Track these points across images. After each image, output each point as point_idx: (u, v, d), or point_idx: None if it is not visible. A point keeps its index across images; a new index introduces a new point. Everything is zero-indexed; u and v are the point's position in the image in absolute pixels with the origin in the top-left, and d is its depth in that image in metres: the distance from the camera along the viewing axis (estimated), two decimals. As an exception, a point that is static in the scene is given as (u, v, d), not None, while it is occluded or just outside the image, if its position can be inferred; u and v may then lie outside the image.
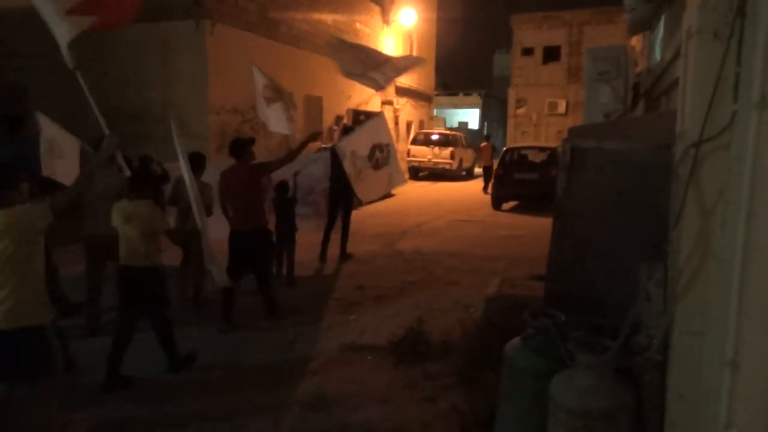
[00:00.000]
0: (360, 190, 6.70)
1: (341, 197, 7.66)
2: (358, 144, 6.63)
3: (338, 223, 7.94)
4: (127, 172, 4.31)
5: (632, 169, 3.07)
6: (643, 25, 8.43)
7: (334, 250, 7.97)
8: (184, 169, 4.32)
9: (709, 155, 2.21)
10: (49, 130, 5.57)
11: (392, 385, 4.20)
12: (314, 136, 6.03)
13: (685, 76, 2.44)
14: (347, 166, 6.45)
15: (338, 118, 10.27)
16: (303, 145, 5.62)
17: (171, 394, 4.03)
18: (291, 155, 5.60)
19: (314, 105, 16.58)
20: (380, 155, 6.70)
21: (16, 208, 2.81)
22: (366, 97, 19.09)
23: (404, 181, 7.40)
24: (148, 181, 4.27)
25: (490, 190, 15.98)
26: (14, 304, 2.78)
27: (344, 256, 8.08)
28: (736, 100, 2.07)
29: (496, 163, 14.94)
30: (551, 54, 32.40)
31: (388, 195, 13.83)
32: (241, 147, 5.50)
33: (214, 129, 12.11)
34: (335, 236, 7.95)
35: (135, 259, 4.09)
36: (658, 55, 7.23)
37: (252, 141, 5.69)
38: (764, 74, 1.86)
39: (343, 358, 4.72)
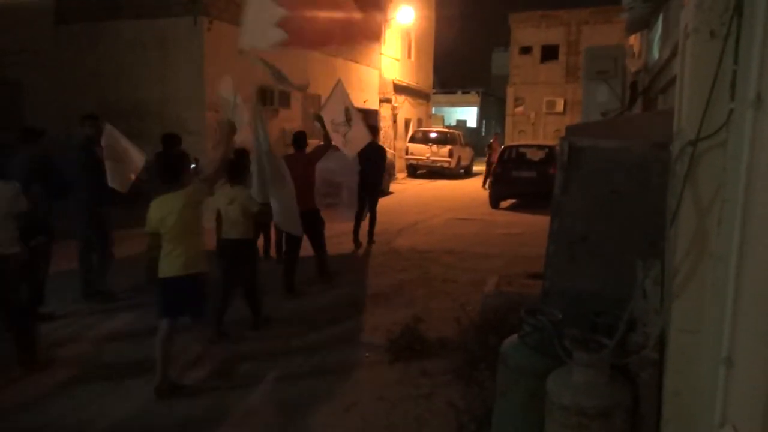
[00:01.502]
0: (349, 149, 7.38)
1: (369, 188, 8.65)
2: (333, 112, 7.20)
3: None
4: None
5: (629, 167, 3.07)
6: (641, 24, 8.45)
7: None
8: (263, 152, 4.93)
9: (705, 153, 2.22)
10: (109, 138, 6.00)
11: (389, 382, 4.20)
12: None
13: (682, 75, 2.44)
14: (334, 137, 6.98)
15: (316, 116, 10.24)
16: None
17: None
18: (327, 144, 6.63)
19: (313, 103, 16.56)
20: (353, 112, 7.35)
21: (187, 189, 3.91)
22: (365, 96, 19.08)
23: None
24: (243, 172, 5.16)
25: (487, 185, 16.00)
26: (187, 257, 3.84)
27: (371, 242, 8.98)
28: (733, 98, 2.07)
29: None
30: (549, 53, 32.40)
31: (387, 192, 13.83)
32: (303, 138, 6.69)
33: (212, 126, 12.08)
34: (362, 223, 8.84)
35: (235, 234, 4.99)
36: (655, 54, 7.24)
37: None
38: (760, 73, 1.87)
39: (340, 355, 4.72)
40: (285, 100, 14.67)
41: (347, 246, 8.57)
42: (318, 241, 6.65)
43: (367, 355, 4.72)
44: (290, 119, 14.63)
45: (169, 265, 3.84)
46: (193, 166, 7.01)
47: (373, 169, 8.67)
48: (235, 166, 5.04)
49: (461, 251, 8.66)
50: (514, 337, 3.01)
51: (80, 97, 12.95)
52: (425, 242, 9.33)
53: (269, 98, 14.32)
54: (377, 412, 3.78)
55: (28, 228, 4.52)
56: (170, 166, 4.12)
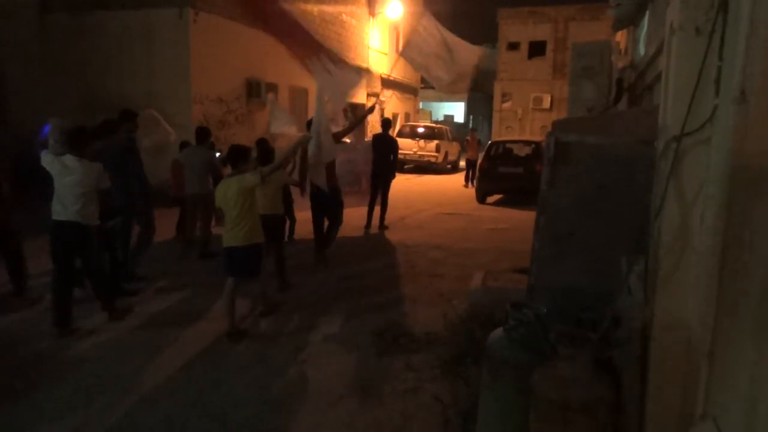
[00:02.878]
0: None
1: (381, 178, 9.47)
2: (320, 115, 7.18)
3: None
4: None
5: (615, 163, 3.09)
6: (628, 21, 8.50)
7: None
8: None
9: (689, 149, 2.23)
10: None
11: (375, 376, 4.21)
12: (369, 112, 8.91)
13: (667, 71, 2.46)
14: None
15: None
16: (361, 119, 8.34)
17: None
18: (351, 127, 7.88)
19: (300, 96, 16.48)
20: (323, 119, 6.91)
21: (239, 176, 4.87)
22: (352, 90, 19.00)
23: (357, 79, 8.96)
24: (271, 154, 5.95)
25: (471, 184, 15.97)
26: (247, 230, 4.87)
27: (383, 226, 9.87)
28: (718, 94, 2.09)
29: (481, 156, 14.91)
30: (537, 49, 32.52)
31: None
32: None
33: (198, 119, 11.98)
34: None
35: (271, 210, 5.83)
36: (642, 50, 7.29)
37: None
38: (744, 69, 1.88)
39: (327, 349, 4.71)
40: (272, 93, 14.60)
41: (350, 232, 8.99)
42: (335, 213, 7.49)
43: (353, 349, 4.72)
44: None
45: (233, 238, 4.89)
46: (218, 154, 8.00)
47: (385, 159, 9.61)
48: (267, 151, 6.04)
49: (448, 246, 8.68)
50: (500, 330, 3.02)
51: (65, 90, 12.78)
52: (412, 237, 9.34)
53: (256, 91, 14.24)
54: (363, 406, 3.78)
55: (107, 210, 5.32)
56: (232, 157, 5.12)
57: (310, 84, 16.43)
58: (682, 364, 2.29)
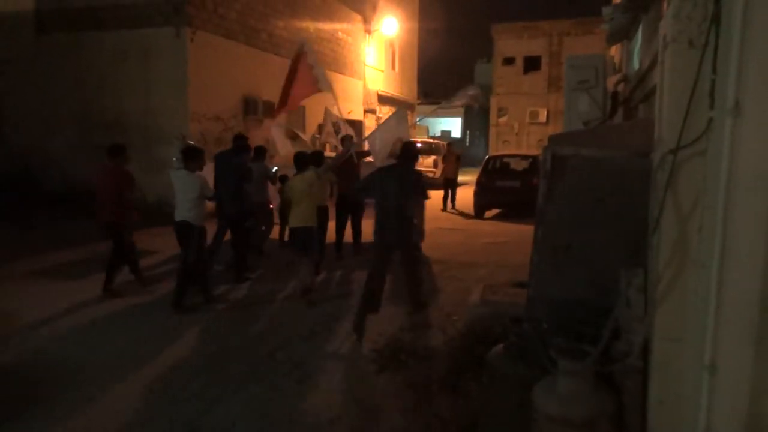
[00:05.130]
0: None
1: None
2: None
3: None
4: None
5: (611, 175, 3.09)
6: (622, 35, 8.56)
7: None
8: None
9: (686, 161, 2.23)
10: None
11: (375, 393, 4.17)
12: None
13: (661, 84, 2.47)
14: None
15: (335, 125, 11.45)
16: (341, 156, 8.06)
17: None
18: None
19: (296, 113, 16.52)
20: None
21: (304, 174, 6.43)
22: (350, 106, 19.10)
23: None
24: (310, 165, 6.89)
25: (452, 206, 15.09)
26: (303, 216, 6.32)
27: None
28: (712, 106, 2.09)
29: (476, 174, 14.21)
30: (532, 63, 32.78)
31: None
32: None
33: (195, 137, 12.00)
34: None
35: (304, 222, 6.64)
36: (636, 63, 7.33)
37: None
38: (738, 81, 1.89)
39: (326, 366, 4.67)
40: (269, 110, 14.65)
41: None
42: (357, 218, 8.83)
43: (353, 365, 4.68)
44: (274, 130, 14.60)
45: (294, 219, 6.39)
46: (274, 169, 9.01)
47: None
48: (314, 157, 7.24)
49: (446, 260, 8.65)
50: (500, 347, 3.00)
51: (62, 108, 12.82)
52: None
53: (253, 108, 14.27)
54: (363, 424, 3.74)
55: (243, 213, 7.26)
56: (298, 161, 6.67)
57: (307, 101, 16.49)
58: (684, 376, 2.27)
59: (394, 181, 5.38)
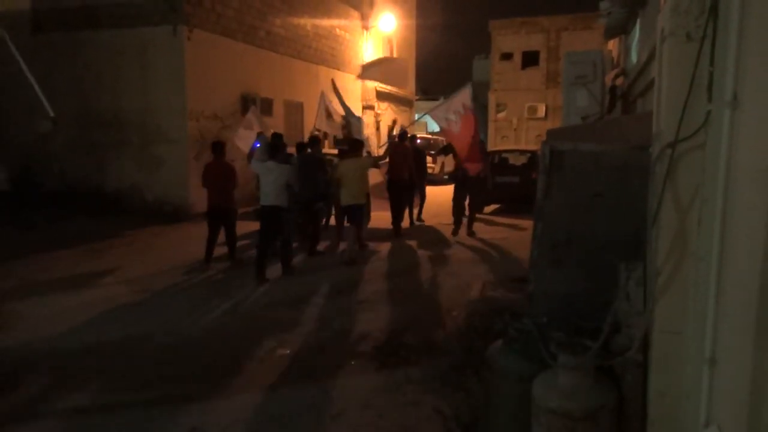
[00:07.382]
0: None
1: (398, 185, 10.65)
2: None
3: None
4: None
5: (610, 170, 3.09)
6: (619, 29, 8.56)
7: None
8: None
9: (684, 155, 2.23)
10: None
11: (375, 389, 4.17)
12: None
13: (659, 78, 2.47)
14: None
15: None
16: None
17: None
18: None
19: (295, 111, 16.51)
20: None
21: (358, 158, 8.22)
22: (348, 103, 19.07)
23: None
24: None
25: (418, 220, 12.04)
26: (353, 195, 7.97)
27: (420, 219, 12.12)
28: (710, 99, 2.09)
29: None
30: (530, 59, 32.72)
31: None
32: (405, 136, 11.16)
33: (193, 135, 11.99)
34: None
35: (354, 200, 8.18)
36: (633, 57, 7.33)
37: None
38: (736, 74, 1.89)
39: (326, 363, 4.68)
40: (267, 108, 14.64)
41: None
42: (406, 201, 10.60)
43: (353, 362, 4.68)
44: (273, 126, 14.57)
45: (345, 197, 7.88)
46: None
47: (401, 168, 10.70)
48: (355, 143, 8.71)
49: (446, 256, 8.66)
50: (500, 342, 3.00)
51: (59, 107, 12.76)
52: (410, 248, 9.32)
53: (251, 105, 14.25)
54: (364, 420, 3.74)
55: (313, 197, 8.41)
56: (351, 146, 8.38)
57: (305, 98, 16.51)
58: (684, 369, 2.27)
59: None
